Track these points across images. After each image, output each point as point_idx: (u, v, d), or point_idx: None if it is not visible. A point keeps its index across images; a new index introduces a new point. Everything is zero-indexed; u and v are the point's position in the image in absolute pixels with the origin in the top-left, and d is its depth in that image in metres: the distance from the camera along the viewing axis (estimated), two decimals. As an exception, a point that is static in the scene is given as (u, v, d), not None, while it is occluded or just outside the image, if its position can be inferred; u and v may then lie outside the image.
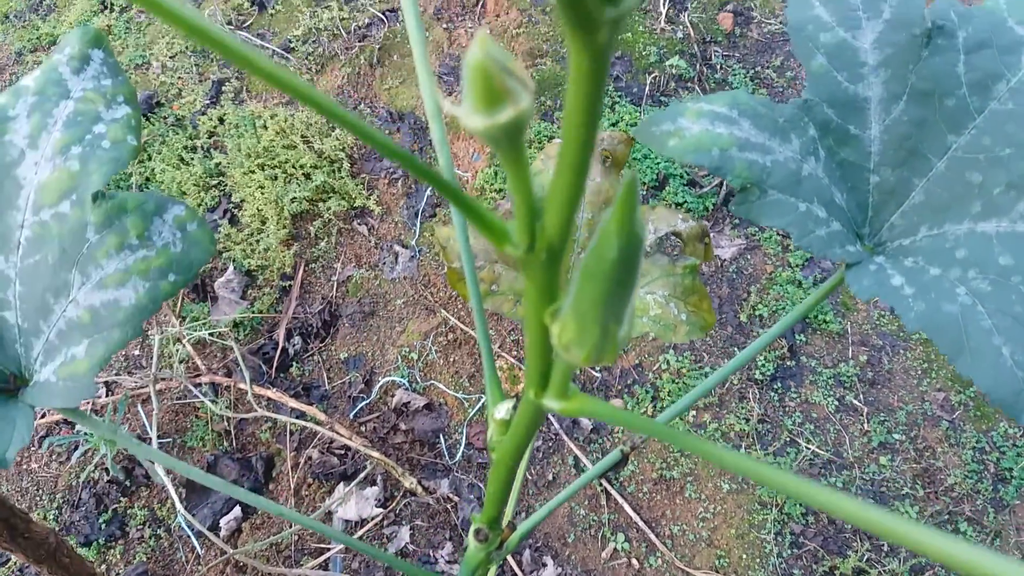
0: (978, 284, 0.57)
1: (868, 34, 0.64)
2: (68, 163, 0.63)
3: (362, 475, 1.83)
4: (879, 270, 0.60)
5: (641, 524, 1.82)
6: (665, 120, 0.62)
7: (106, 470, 1.93)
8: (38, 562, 1.04)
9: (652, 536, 1.80)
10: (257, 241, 2.10)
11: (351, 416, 1.94)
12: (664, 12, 2.52)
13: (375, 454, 1.80)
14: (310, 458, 1.87)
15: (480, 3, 2.52)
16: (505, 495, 0.54)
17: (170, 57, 2.53)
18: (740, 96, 0.62)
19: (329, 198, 2.18)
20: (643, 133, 0.63)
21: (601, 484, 1.87)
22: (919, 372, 2.00)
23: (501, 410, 0.51)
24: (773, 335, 0.68)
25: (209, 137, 2.30)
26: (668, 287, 0.91)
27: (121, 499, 1.91)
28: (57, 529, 1.92)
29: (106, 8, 2.73)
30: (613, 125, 2.27)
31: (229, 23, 2.53)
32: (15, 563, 1.88)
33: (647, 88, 2.35)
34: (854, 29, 0.64)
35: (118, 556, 1.83)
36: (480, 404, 1.95)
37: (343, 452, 1.88)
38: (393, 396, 1.96)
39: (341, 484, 1.84)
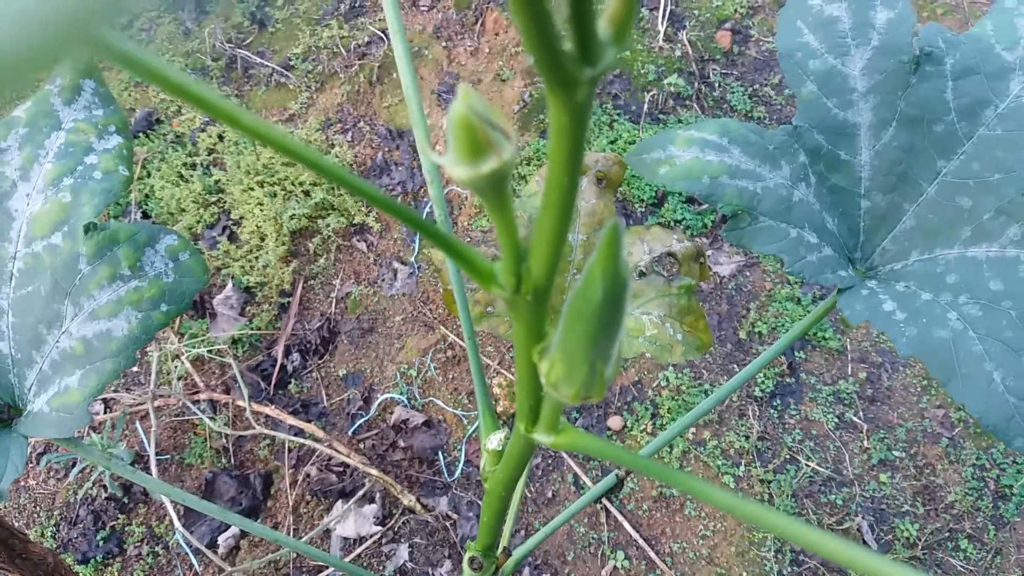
0: (969, 309, 0.57)
1: (857, 61, 0.65)
2: (60, 195, 0.63)
3: (361, 492, 1.83)
4: (871, 295, 0.60)
5: (641, 542, 1.81)
6: (655, 147, 0.62)
7: (104, 487, 1.93)
8: (34, 584, 1.04)
9: (652, 554, 1.80)
10: (256, 258, 2.10)
11: (350, 433, 1.94)
12: (663, 31, 2.53)
13: (374, 471, 1.80)
14: (308, 475, 1.87)
15: (479, 22, 2.53)
16: (499, 524, 0.53)
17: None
18: (730, 123, 0.63)
19: (328, 215, 2.18)
20: (634, 160, 0.63)
21: (600, 502, 1.87)
22: (918, 389, 2.00)
23: (493, 441, 0.51)
24: (768, 358, 0.68)
25: (208, 154, 2.31)
26: (664, 307, 0.91)
27: (119, 516, 1.90)
28: (55, 546, 1.91)
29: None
30: (612, 143, 2.27)
31: (229, 41, 2.54)
32: (13, 582, 1.87)
33: (645, 106, 2.36)
34: (843, 56, 0.65)
35: (116, 573, 1.83)
36: (479, 422, 1.95)
37: (342, 469, 1.87)
38: (392, 413, 1.96)
39: (340, 501, 1.84)
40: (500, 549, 0.63)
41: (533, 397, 0.38)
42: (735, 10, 2.65)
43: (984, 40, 0.64)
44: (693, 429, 1.97)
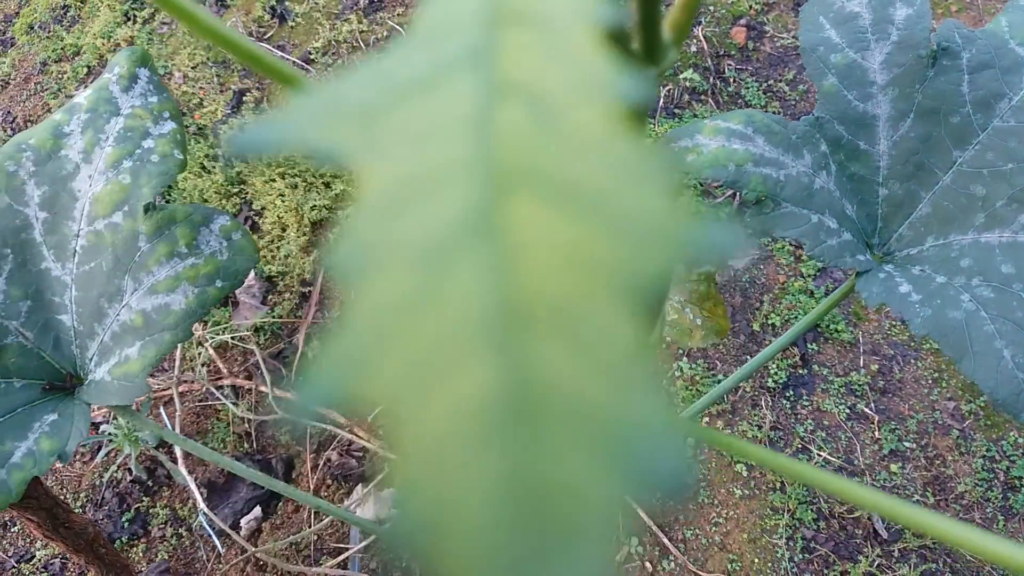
0: (981, 291, 0.60)
1: (877, 55, 0.68)
2: (120, 176, 0.67)
3: (380, 476, 1.87)
4: (888, 278, 0.63)
5: (654, 528, 1.85)
6: (684, 136, 0.66)
7: (129, 470, 1.98)
8: (76, 551, 1.08)
9: (665, 540, 1.83)
10: (278, 248, 2.14)
11: (370, 418, 1.98)
12: None
13: (394, 456, 1.84)
14: (329, 460, 1.91)
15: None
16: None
17: (192, 68, 2.58)
18: (755, 114, 0.66)
19: (348, 206, 2.22)
20: (663, 149, 0.67)
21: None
22: (930, 381, 2.02)
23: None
24: (787, 340, 0.72)
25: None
26: (684, 293, 0.94)
27: (143, 499, 1.95)
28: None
29: (129, 20, 2.78)
30: (627, 135, 2.30)
31: (250, 34, 2.58)
32: (40, 559, 1.92)
33: (661, 100, 2.39)
34: (863, 50, 0.68)
35: (140, 554, 1.87)
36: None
37: (362, 454, 1.91)
38: (411, 400, 2.00)
39: (360, 485, 1.88)
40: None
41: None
42: (750, 6, 2.68)
43: (999, 36, 0.67)
44: (706, 419, 2.00)
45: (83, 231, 0.67)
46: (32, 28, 2.86)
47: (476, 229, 0.07)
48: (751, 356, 2.07)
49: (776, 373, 2.02)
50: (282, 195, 2.18)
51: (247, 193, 2.26)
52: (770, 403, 2.00)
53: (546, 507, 0.08)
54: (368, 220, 0.08)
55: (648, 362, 0.08)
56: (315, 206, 2.18)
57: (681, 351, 2.09)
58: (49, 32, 2.82)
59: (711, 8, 2.66)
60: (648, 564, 1.81)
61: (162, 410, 2.00)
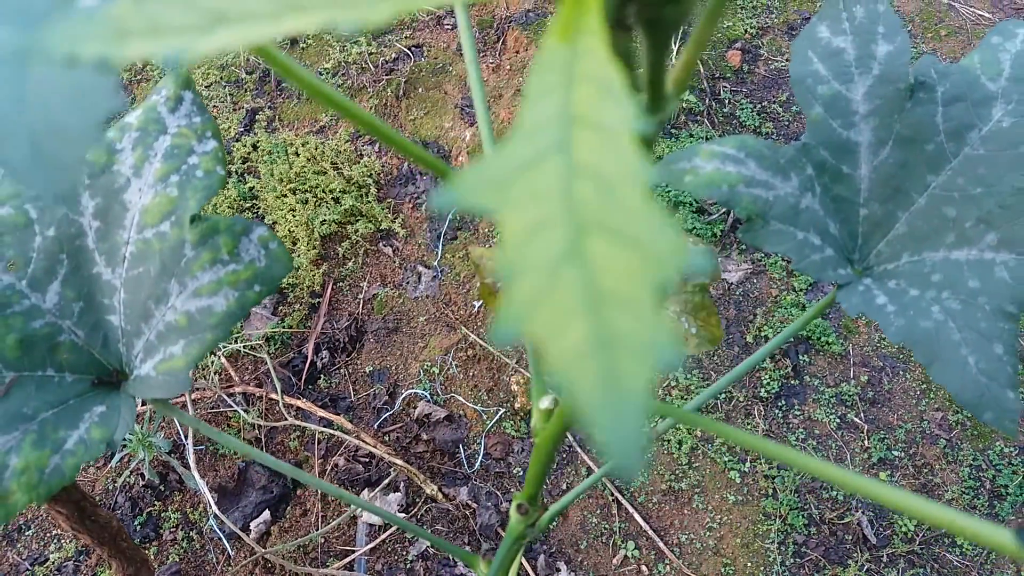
0: (950, 304, 0.67)
1: (860, 87, 0.74)
2: (168, 190, 0.73)
3: (386, 482, 1.92)
4: (866, 290, 0.69)
5: (650, 532, 1.90)
6: (682, 159, 0.72)
7: (141, 475, 2.03)
8: (101, 544, 1.14)
9: (661, 544, 1.89)
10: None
11: (375, 426, 2.04)
12: (675, 49, 2.63)
13: (398, 462, 1.90)
14: (337, 465, 1.96)
15: (501, 40, 2.64)
16: (544, 475, 0.63)
17: (206, 87, 2.65)
18: (747, 139, 0.72)
19: (357, 221, 2.29)
20: (663, 170, 0.73)
21: (612, 494, 1.96)
22: (918, 392, 2.09)
23: (545, 401, 0.60)
24: (772, 347, 0.78)
25: (243, 162, 2.41)
26: (680, 304, 1.00)
27: (155, 503, 2.00)
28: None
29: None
30: (627, 153, 2.37)
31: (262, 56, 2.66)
32: (53, 561, 1.97)
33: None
34: (848, 83, 0.74)
35: (152, 557, 1.92)
36: (498, 417, 2.05)
37: (368, 460, 1.97)
38: (415, 408, 2.06)
39: (366, 490, 1.93)
40: (540, 506, 0.73)
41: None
42: (745, 31, 2.75)
43: (971, 71, 0.74)
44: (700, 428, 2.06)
45: (132, 239, 0.73)
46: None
47: (571, 256, 0.13)
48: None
49: (769, 383, 2.08)
50: (293, 210, 2.25)
51: (259, 208, 2.32)
52: (763, 412, 2.06)
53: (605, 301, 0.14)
54: (510, 248, 0.14)
55: (662, 317, 0.14)
56: (324, 220, 2.24)
57: (685, 359, 2.14)
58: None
59: (709, 30, 2.73)
60: (644, 567, 1.86)
61: (174, 417, 2.06)
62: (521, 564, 1.89)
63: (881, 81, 0.74)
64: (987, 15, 3.04)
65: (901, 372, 2.11)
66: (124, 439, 1.94)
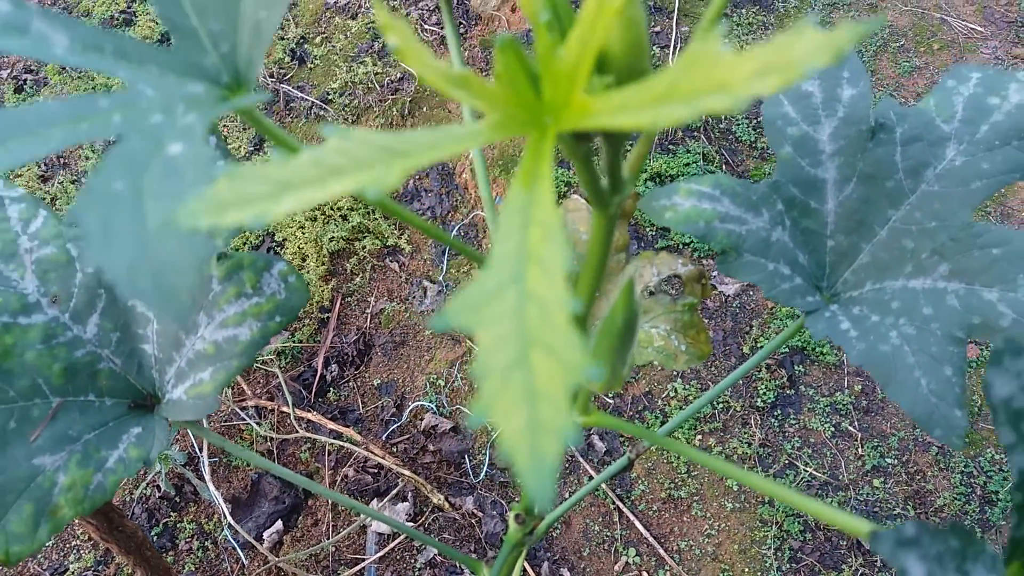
0: (906, 329, 0.73)
1: (826, 128, 0.81)
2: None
3: (394, 492, 1.99)
4: (832, 316, 0.76)
5: (651, 539, 1.97)
6: (663, 197, 0.79)
7: (157, 487, 2.10)
8: (127, 553, 1.21)
9: (661, 551, 1.95)
10: (297, 276, 2.28)
11: (384, 437, 2.11)
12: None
13: (406, 472, 1.97)
14: (346, 476, 2.03)
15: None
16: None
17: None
18: (722, 178, 0.79)
19: (364, 237, 2.36)
20: (646, 206, 0.80)
21: (614, 503, 2.03)
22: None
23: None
24: (753, 364, 0.85)
25: (253, 179, 2.49)
26: (670, 322, 1.07)
27: (171, 514, 2.07)
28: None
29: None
30: (626, 169, 2.44)
31: (271, 75, 2.74)
32: (73, 572, 2.04)
33: (656, 136, 2.53)
34: (815, 124, 0.81)
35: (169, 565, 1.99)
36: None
37: (376, 470, 2.04)
38: (422, 420, 2.13)
39: (375, 500, 2.00)
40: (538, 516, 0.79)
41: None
42: (741, 47, 2.82)
43: (927, 114, 0.81)
44: (700, 436, 2.12)
45: (165, 276, 0.80)
46: (64, 68, 3.01)
47: (519, 364, 0.20)
48: (741, 378, 2.20)
49: (765, 393, 2.15)
50: (302, 227, 2.32)
51: (269, 225, 2.40)
52: (759, 421, 2.13)
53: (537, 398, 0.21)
54: (480, 357, 0.21)
55: (570, 409, 0.21)
56: (333, 237, 2.32)
57: (676, 373, 2.21)
58: (81, 72, 2.97)
59: (706, 47, 2.81)
60: (645, 573, 1.93)
61: (189, 430, 2.13)
62: (525, 570, 1.96)
63: (845, 123, 0.81)
64: (979, 28, 3.11)
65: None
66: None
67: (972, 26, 3.13)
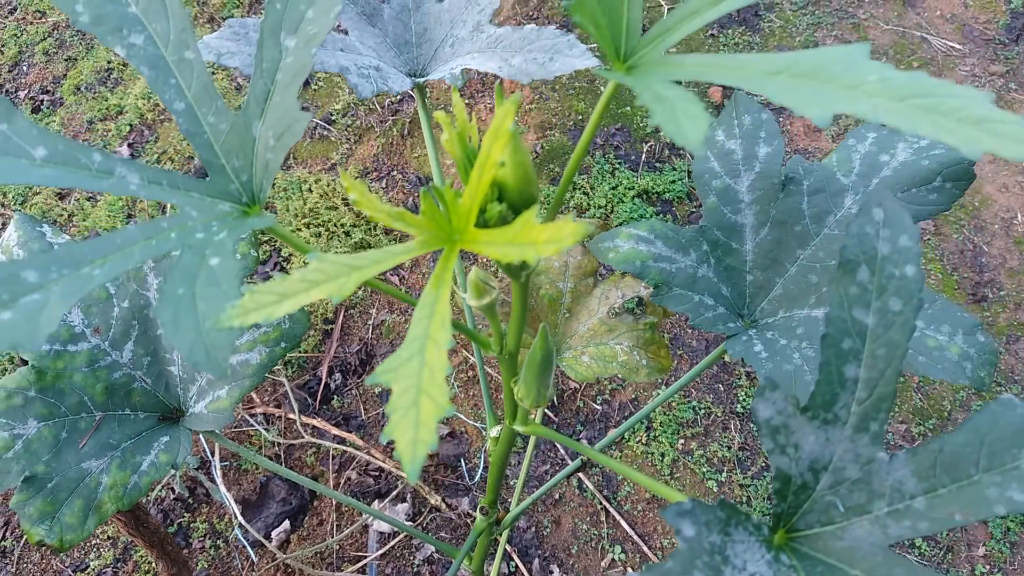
0: (807, 351, 0.88)
1: (745, 181, 0.96)
2: (213, 268, 0.95)
3: (394, 493, 2.14)
4: (748, 340, 0.91)
5: (636, 537, 2.11)
6: (607, 240, 0.94)
7: (171, 489, 2.25)
8: (151, 547, 1.36)
9: (645, 548, 2.10)
10: (303, 291, 2.43)
11: (384, 442, 2.26)
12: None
13: (405, 475, 2.12)
14: (349, 478, 2.18)
15: (499, 81, 2.86)
16: (500, 485, 0.85)
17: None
18: (656, 224, 0.94)
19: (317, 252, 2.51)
20: (593, 247, 0.95)
21: (601, 504, 2.17)
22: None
23: (493, 431, 0.82)
24: (682, 384, 0.99)
25: (261, 200, 2.64)
26: (632, 339, 1.22)
27: (185, 514, 2.23)
28: (129, 540, 2.24)
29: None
30: (613, 188, 2.59)
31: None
32: (93, 568, 2.19)
33: (643, 156, 2.68)
34: (736, 177, 0.96)
35: (186, 562, 2.15)
36: (496, 433, 2.27)
37: (378, 473, 2.19)
38: (420, 426, 2.28)
39: (376, 500, 2.15)
40: (501, 509, 0.94)
41: (512, 405, 0.70)
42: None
43: (829, 168, 0.95)
44: (682, 440, 2.27)
45: (188, 309, 0.95)
46: (79, 89, 3.18)
47: (414, 404, 0.35)
48: (722, 385, 2.35)
49: (744, 400, 2.29)
50: (307, 242, 2.48)
51: (276, 241, 2.55)
52: (739, 427, 2.27)
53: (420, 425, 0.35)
54: (392, 399, 0.35)
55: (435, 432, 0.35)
56: (337, 252, 2.47)
57: (660, 382, 2.36)
58: (95, 93, 3.13)
59: (691, 69, 2.95)
60: (631, 569, 2.07)
61: (201, 436, 2.28)
62: (517, 567, 2.11)
63: (761, 176, 0.95)
64: (958, 47, 3.24)
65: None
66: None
67: (951, 44, 3.26)
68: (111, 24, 0.47)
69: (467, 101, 2.84)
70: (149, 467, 0.90)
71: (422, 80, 0.98)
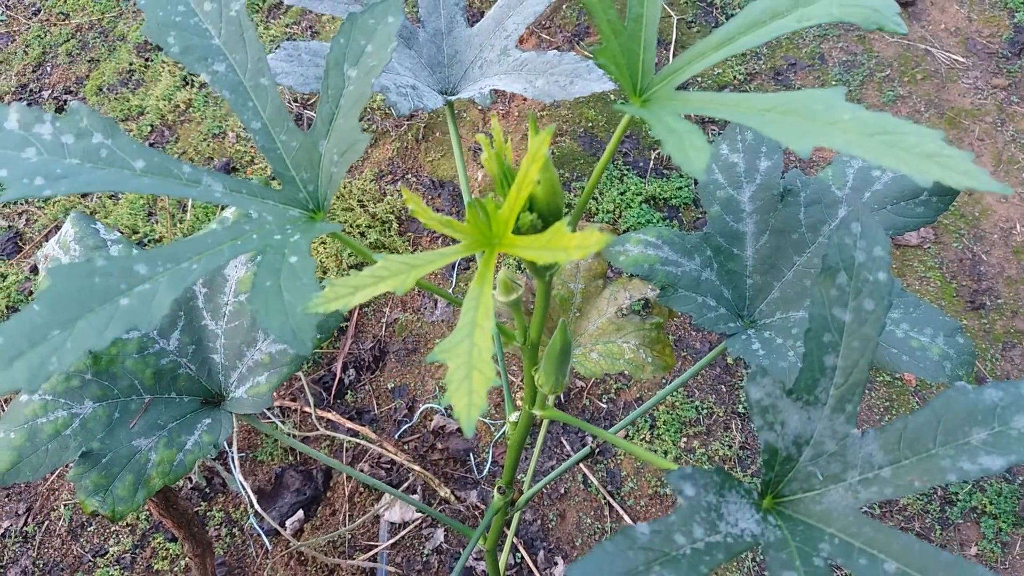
0: (801, 349, 0.95)
1: (746, 192, 1.03)
2: (252, 267, 1.03)
3: (405, 485, 2.22)
4: (747, 339, 0.98)
5: (636, 532, 2.18)
6: (618, 244, 1.02)
7: (189, 479, 2.33)
8: (179, 527, 1.44)
9: (645, 542, 2.17)
10: (320, 289, 2.51)
11: (396, 436, 2.34)
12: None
13: (416, 468, 2.19)
14: (362, 470, 2.26)
15: (533, 112, 2.94)
16: (516, 467, 0.93)
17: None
18: (664, 230, 1.02)
19: (380, 252, 2.59)
20: (606, 251, 1.03)
21: (605, 499, 2.25)
22: (881, 409, 2.36)
23: (512, 417, 0.90)
24: (681, 382, 1.07)
25: (280, 200, 2.73)
26: (639, 338, 1.29)
27: (202, 503, 2.31)
28: (148, 528, 2.32)
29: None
30: (621, 194, 2.67)
31: (296, 100, 2.97)
32: (112, 554, 2.27)
33: (651, 163, 2.76)
34: (738, 188, 1.04)
35: (203, 548, 2.23)
36: (504, 429, 2.34)
37: (389, 466, 2.27)
38: (431, 420, 2.35)
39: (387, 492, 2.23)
40: (516, 490, 1.02)
41: (531, 391, 0.77)
42: (734, 77, 3.04)
43: (824, 182, 1.03)
44: (685, 438, 2.34)
45: (231, 301, 1.03)
46: (101, 90, 3.26)
47: (468, 376, 0.42)
48: (724, 386, 2.42)
49: (746, 401, 2.36)
50: (323, 242, 2.55)
51: (293, 241, 2.63)
52: (739, 426, 2.34)
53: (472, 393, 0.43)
54: (449, 372, 0.43)
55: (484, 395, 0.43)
56: (352, 252, 2.55)
57: (663, 380, 2.43)
58: (116, 94, 3.22)
59: (699, 79, 3.03)
60: (630, 562, 2.14)
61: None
62: (523, 558, 2.18)
63: (762, 188, 1.03)
64: (961, 59, 3.30)
65: (867, 390, 2.38)
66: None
67: (955, 57, 3.32)
68: (197, 54, 0.55)
69: (479, 108, 2.92)
70: (193, 446, 0.97)
71: (453, 98, 1.06)
